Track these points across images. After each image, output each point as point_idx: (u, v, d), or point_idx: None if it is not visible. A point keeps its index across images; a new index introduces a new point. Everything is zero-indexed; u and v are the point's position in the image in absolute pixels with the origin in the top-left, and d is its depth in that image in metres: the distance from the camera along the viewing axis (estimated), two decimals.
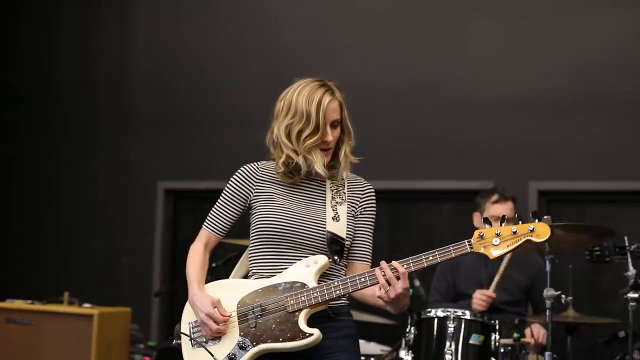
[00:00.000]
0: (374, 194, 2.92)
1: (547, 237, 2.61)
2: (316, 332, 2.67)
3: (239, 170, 2.91)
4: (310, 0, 6.18)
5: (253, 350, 2.72)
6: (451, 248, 2.62)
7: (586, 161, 5.43)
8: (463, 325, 3.56)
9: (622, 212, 5.51)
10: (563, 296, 3.74)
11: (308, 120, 2.77)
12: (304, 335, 2.67)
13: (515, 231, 2.59)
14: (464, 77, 5.74)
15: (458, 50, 5.77)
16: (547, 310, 3.51)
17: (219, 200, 2.93)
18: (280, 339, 2.69)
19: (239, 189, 2.89)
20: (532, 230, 2.60)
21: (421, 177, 5.77)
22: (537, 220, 2.62)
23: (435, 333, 3.60)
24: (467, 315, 3.60)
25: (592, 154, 5.42)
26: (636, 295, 3.69)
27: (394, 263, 2.64)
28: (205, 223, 2.96)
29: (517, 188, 5.45)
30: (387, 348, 4.54)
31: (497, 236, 2.59)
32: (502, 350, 3.60)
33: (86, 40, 6.90)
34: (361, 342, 3.12)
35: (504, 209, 4.36)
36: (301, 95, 2.81)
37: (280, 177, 2.87)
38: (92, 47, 6.86)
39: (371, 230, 2.90)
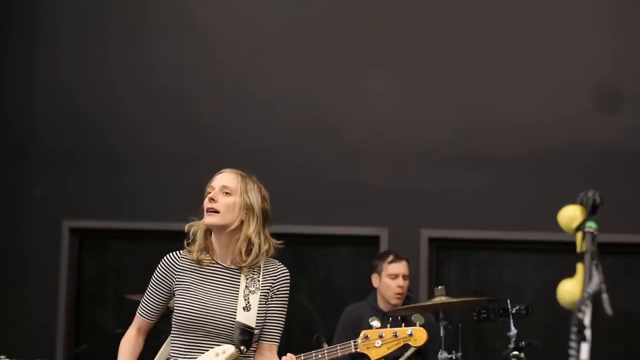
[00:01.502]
0: (287, 278, 3.10)
1: (424, 341, 2.93)
2: None
3: (162, 260, 3.11)
4: (220, 46, 6.38)
5: None
6: (338, 347, 2.93)
7: (472, 211, 5.87)
8: None
9: (503, 257, 6.02)
10: (453, 352, 4.13)
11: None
12: None
13: (396, 334, 2.92)
14: (361, 129, 6.09)
15: (357, 103, 6.11)
16: None
17: (147, 288, 3.14)
18: None
19: (162, 278, 3.09)
20: (410, 335, 2.93)
21: (321, 222, 6.10)
22: (417, 324, 2.95)
23: None
24: None
25: (476, 204, 5.86)
26: (516, 353, 4.15)
27: (289, 356, 2.92)
28: (138, 310, 3.17)
29: (409, 235, 5.91)
30: None
31: (379, 338, 2.91)
32: None
33: None
34: None
35: (400, 267, 4.74)
36: None
37: (196, 256, 3.04)
38: None
39: (282, 313, 3.09)
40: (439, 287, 3.82)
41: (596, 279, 1.80)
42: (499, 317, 4.22)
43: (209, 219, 3.01)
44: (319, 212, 6.07)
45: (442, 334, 3.95)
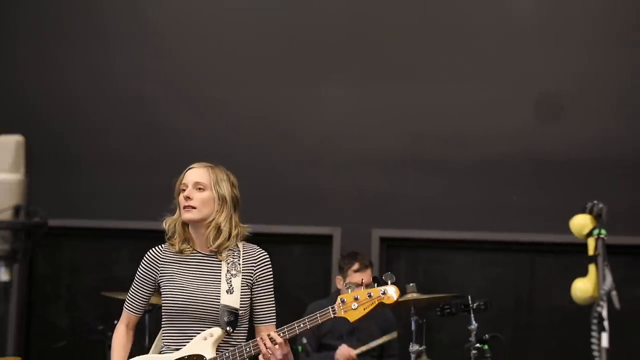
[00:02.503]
0: (268, 260, 3.32)
1: (397, 298, 3.11)
2: None
3: (145, 255, 3.32)
4: (178, 50, 6.53)
5: None
6: (318, 315, 3.11)
7: (420, 212, 6.20)
8: None
9: (449, 256, 6.38)
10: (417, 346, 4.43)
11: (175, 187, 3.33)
12: None
13: (370, 294, 3.08)
14: (318, 134, 6.36)
15: (313, 109, 6.36)
16: None
17: (132, 283, 3.34)
18: None
19: (146, 272, 3.30)
20: (383, 293, 3.09)
21: (276, 222, 6.32)
22: (389, 282, 3.11)
23: None
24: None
25: (425, 206, 6.20)
26: (478, 345, 4.50)
27: (272, 334, 3.09)
28: (124, 305, 3.36)
29: (361, 234, 6.21)
30: None
31: (355, 300, 3.07)
32: None
33: None
34: None
35: (364, 276, 4.93)
36: None
37: (176, 247, 3.26)
38: None
39: (270, 294, 3.30)
40: (411, 284, 4.11)
41: (609, 278, 2.10)
42: (460, 312, 4.55)
43: (187, 215, 3.23)
44: (275, 213, 6.29)
45: (413, 328, 4.24)
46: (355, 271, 4.95)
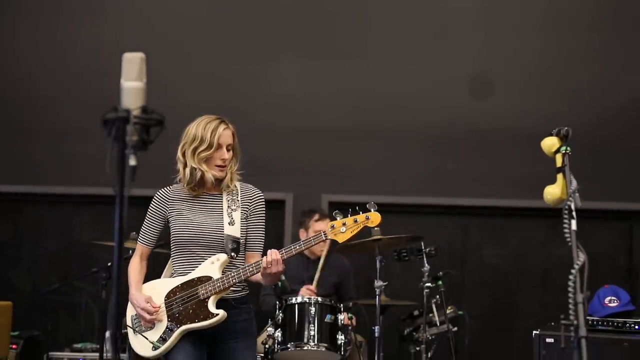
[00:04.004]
0: (262, 197, 3.81)
1: (379, 222, 3.63)
2: (221, 312, 3.56)
3: (155, 195, 3.79)
4: (139, 27, 6.89)
5: (178, 331, 3.61)
6: (312, 238, 3.62)
7: (366, 178, 6.79)
8: (320, 309, 4.71)
9: (391, 220, 6.96)
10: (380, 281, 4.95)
11: (202, 141, 3.68)
12: (213, 315, 3.56)
13: (356, 220, 3.59)
14: (270, 107, 6.86)
15: (266, 84, 6.87)
16: (377, 296, 4.77)
17: (145, 220, 3.80)
18: (196, 320, 3.58)
19: (157, 209, 3.78)
20: (367, 219, 3.61)
21: None
22: (372, 210, 3.63)
23: (298, 315, 4.69)
24: (321, 300, 4.75)
25: (371, 173, 6.79)
26: (429, 284, 5.10)
27: (273, 251, 3.55)
28: (138, 239, 3.84)
29: (312, 199, 6.74)
30: None
31: (343, 225, 3.58)
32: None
33: None
34: None
35: (325, 224, 5.51)
36: (200, 125, 3.77)
37: (187, 190, 3.71)
38: None
39: (261, 227, 3.76)
40: (376, 228, 4.66)
41: (574, 182, 2.72)
42: (414, 256, 5.14)
43: (221, 173, 3.71)
44: None
45: (378, 266, 4.81)
46: (317, 220, 5.54)
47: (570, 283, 2.55)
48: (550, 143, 2.88)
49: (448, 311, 5.25)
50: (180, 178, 3.74)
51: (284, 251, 3.58)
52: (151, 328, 3.68)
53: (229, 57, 6.89)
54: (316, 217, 5.60)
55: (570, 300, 2.55)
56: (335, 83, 6.89)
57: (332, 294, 5.56)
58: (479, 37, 6.87)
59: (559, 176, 2.82)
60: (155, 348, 3.63)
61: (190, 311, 3.59)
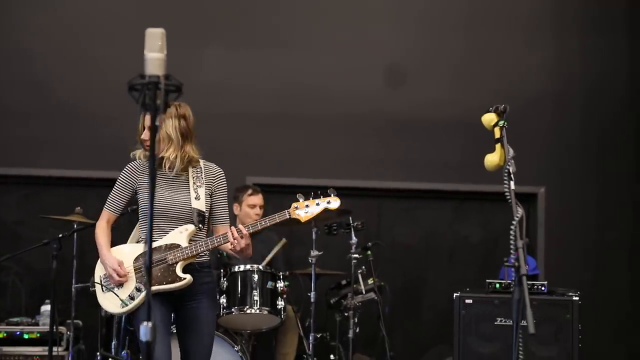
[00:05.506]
0: (222, 175, 4.16)
1: (338, 206, 3.98)
2: (188, 277, 3.91)
3: (127, 166, 4.09)
4: (66, 13, 7.11)
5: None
6: (276, 215, 3.95)
7: (289, 162, 7.17)
8: (262, 276, 5.08)
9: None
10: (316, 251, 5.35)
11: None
12: (180, 279, 3.90)
13: (318, 203, 3.96)
14: (195, 93, 7.09)
15: (191, 71, 7.13)
16: (313, 265, 5.18)
17: (113, 189, 4.10)
18: (164, 283, 3.89)
19: (127, 180, 4.08)
20: (328, 202, 3.97)
21: None
22: (332, 195, 3.99)
23: (241, 282, 5.06)
24: (263, 268, 5.13)
25: (293, 156, 7.18)
26: (357, 255, 5.56)
27: (240, 226, 3.90)
28: (105, 205, 4.13)
29: (237, 181, 7.07)
30: None
31: (306, 207, 3.95)
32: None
33: None
34: None
35: (258, 199, 5.93)
36: None
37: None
38: None
39: (224, 200, 4.11)
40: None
41: (511, 150, 3.21)
42: (344, 229, 5.59)
43: (145, 152, 4.10)
44: None
45: (314, 237, 5.23)
46: (250, 195, 5.92)
47: (512, 232, 3.02)
48: (489, 118, 3.36)
49: (371, 282, 5.72)
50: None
51: (250, 226, 3.94)
52: (120, 287, 3.97)
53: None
54: (250, 191, 5.97)
55: (512, 245, 3.02)
56: (257, 71, 7.23)
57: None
58: (395, 29, 7.36)
59: (497, 146, 3.31)
60: (123, 305, 3.92)
61: (159, 274, 3.90)
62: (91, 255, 4.32)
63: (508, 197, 3.14)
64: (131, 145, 6.68)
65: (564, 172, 7.40)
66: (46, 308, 6.06)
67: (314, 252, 5.22)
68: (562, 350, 4.88)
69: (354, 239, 5.58)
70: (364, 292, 5.67)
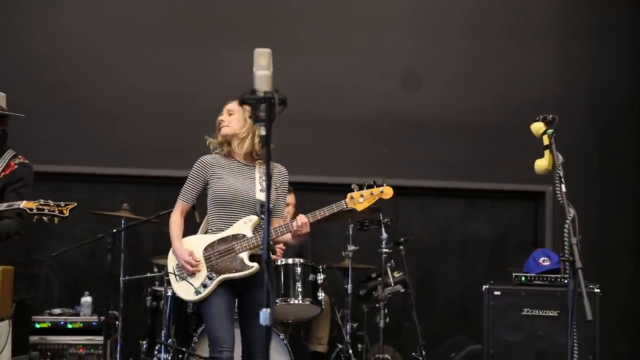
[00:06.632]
0: (287, 174, 4.53)
1: (391, 195, 4.31)
2: (256, 265, 4.23)
3: (199, 159, 4.45)
4: (94, 12, 7.36)
5: (217, 279, 4.26)
6: (334, 205, 4.26)
7: (305, 159, 7.29)
8: (304, 269, 5.43)
9: (332, 198, 7.70)
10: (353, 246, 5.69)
11: None
12: (248, 267, 4.24)
13: (372, 193, 4.30)
14: (222, 95, 7.42)
15: (219, 74, 7.43)
16: (349, 258, 5.53)
17: (187, 181, 4.44)
18: (234, 271, 4.24)
19: (199, 172, 4.42)
20: (381, 192, 4.31)
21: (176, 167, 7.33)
22: (384, 185, 4.34)
23: (284, 274, 5.40)
24: (304, 262, 5.46)
25: (309, 154, 7.36)
26: (387, 250, 5.91)
27: (301, 216, 4.21)
28: (179, 196, 4.46)
29: None
30: None
31: (361, 197, 4.26)
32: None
33: None
34: None
35: (290, 197, 6.21)
36: None
37: (223, 158, 4.41)
38: None
39: (284, 198, 4.49)
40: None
41: (560, 156, 3.59)
42: (376, 225, 5.94)
43: (222, 130, 4.54)
44: (177, 161, 7.30)
45: (351, 233, 5.58)
46: None
47: (565, 230, 3.39)
48: (538, 127, 3.74)
49: (397, 275, 6.08)
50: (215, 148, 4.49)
51: (310, 216, 4.27)
52: (192, 276, 4.28)
53: (183, 43, 7.42)
54: None
55: (566, 242, 3.39)
56: (280, 73, 7.44)
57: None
58: (409, 35, 7.71)
59: (546, 152, 3.68)
60: (197, 293, 4.24)
61: (228, 263, 4.24)
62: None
63: (560, 198, 3.49)
64: (170, 145, 7.09)
65: (569, 171, 7.73)
66: (87, 299, 6.37)
67: (351, 247, 5.57)
68: (584, 339, 5.26)
69: (384, 235, 5.92)
70: (392, 285, 6.01)
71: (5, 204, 4.03)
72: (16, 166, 4.34)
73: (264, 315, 2.71)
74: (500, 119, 7.66)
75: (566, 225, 3.43)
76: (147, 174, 7.29)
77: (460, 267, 7.72)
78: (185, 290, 4.29)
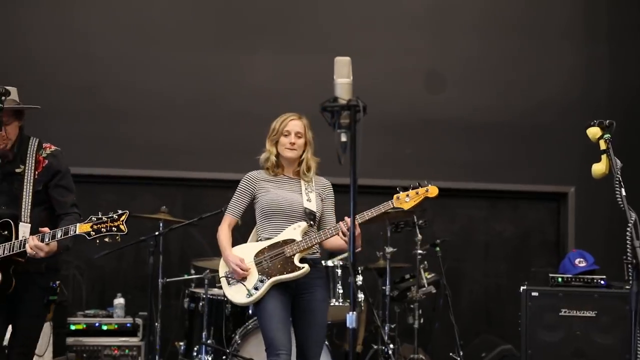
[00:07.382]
0: (331, 186, 4.64)
1: (437, 194, 4.41)
2: (306, 266, 4.33)
3: (246, 175, 4.58)
4: (121, 14, 7.41)
5: (269, 281, 4.34)
6: (381, 206, 4.35)
7: (331, 161, 7.50)
8: (344, 271, 5.48)
9: (358, 198, 7.76)
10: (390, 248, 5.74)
11: (273, 129, 4.56)
12: (299, 268, 4.33)
13: (418, 192, 4.41)
14: (244, 95, 7.49)
15: (247, 75, 7.48)
16: (387, 260, 5.58)
17: (234, 195, 4.54)
18: (285, 273, 4.32)
19: (247, 187, 4.52)
20: (427, 191, 4.42)
21: (213, 169, 7.39)
22: (429, 185, 4.44)
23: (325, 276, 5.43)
24: (343, 263, 5.51)
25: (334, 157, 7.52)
26: (422, 250, 5.96)
27: (347, 219, 4.27)
28: (227, 211, 4.55)
29: None
30: None
31: (407, 196, 4.38)
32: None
33: None
34: None
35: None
36: (276, 119, 4.61)
37: (269, 173, 4.51)
38: None
39: (333, 209, 4.60)
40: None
41: (618, 161, 3.63)
42: (411, 227, 5.99)
43: (290, 153, 4.55)
44: (212, 162, 7.38)
45: (389, 234, 5.63)
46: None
47: (628, 233, 3.44)
48: (594, 131, 3.78)
49: (429, 276, 6.13)
50: (262, 162, 4.56)
51: (358, 217, 4.29)
52: (243, 281, 4.35)
53: (209, 47, 7.46)
54: None
55: (629, 245, 3.44)
56: (303, 75, 7.56)
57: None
58: (434, 38, 7.77)
59: (603, 157, 3.73)
60: (249, 295, 4.30)
61: (279, 266, 4.31)
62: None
63: (620, 202, 3.54)
64: (201, 145, 7.12)
65: (588, 172, 7.85)
66: (119, 301, 6.40)
67: (389, 249, 5.62)
68: (621, 339, 5.32)
69: (419, 236, 5.97)
70: (426, 286, 6.06)
71: (60, 232, 3.95)
72: (46, 160, 4.26)
73: (350, 318, 2.74)
74: (524, 120, 7.74)
75: (628, 229, 3.47)
76: (175, 175, 7.33)
77: (483, 267, 7.78)
78: (237, 294, 4.35)
